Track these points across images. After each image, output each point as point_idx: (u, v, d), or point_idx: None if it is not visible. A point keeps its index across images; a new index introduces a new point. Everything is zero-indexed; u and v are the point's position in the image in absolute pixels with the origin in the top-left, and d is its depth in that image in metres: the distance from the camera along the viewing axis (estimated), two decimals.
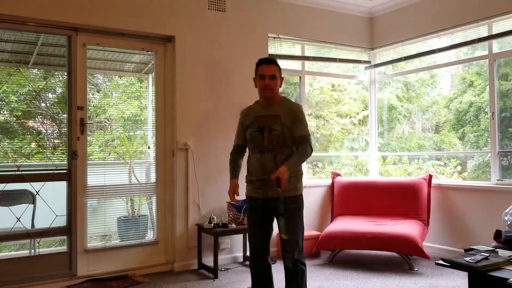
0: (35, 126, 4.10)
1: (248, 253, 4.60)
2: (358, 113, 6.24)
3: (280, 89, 3.08)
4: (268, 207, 2.88)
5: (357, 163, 6.21)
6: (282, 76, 3.04)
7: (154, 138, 4.41)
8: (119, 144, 4.38)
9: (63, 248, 4.02)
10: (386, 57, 5.69)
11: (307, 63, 5.44)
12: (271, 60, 2.98)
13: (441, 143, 6.07)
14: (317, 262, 4.55)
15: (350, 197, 5.08)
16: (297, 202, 2.88)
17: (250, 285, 3.69)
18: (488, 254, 2.75)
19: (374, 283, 3.87)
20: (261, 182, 2.88)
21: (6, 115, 3.91)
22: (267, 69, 2.92)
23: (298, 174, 2.91)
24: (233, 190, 3.00)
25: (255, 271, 2.98)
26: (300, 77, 5.41)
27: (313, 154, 2.98)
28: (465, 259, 2.69)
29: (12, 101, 3.88)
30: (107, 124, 4.41)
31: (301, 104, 3.10)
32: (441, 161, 5.96)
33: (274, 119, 2.87)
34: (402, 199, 4.85)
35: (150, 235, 4.46)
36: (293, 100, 3.17)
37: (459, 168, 5.77)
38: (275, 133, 2.83)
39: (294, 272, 2.84)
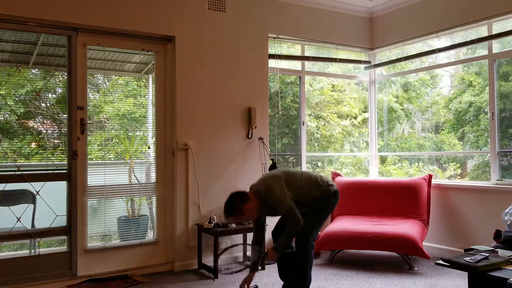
0: (35, 126, 4.10)
1: (247, 253, 4.61)
2: (359, 114, 6.25)
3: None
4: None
5: (356, 161, 6.22)
6: (247, 204, 3.20)
7: (154, 138, 4.41)
8: (117, 143, 4.38)
9: (63, 248, 4.02)
10: (386, 57, 5.69)
11: (307, 63, 5.44)
12: (227, 214, 3.26)
13: (441, 144, 6.07)
14: (317, 262, 4.55)
15: (350, 197, 5.07)
16: (309, 205, 3.34)
17: (253, 285, 3.77)
18: (488, 254, 2.75)
19: (374, 283, 3.87)
20: None
21: (6, 116, 3.91)
22: (235, 220, 3.66)
23: (309, 200, 3.34)
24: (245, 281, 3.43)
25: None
26: (300, 77, 5.41)
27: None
28: (465, 259, 2.69)
29: (12, 102, 3.88)
30: (107, 124, 4.41)
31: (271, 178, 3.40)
32: (440, 165, 5.95)
33: (268, 207, 3.27)
34: (402, 199, 4.85)
35: (150, 235, 4.46)
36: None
37: (459, 171, 5.76)
38: (280, 212, 3.32)
39: (298, 250, 3.35)
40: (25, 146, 3.92)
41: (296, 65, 5.39)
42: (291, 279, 3.44)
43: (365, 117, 6.10)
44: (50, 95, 4.20)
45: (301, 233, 3.29)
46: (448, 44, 5.01)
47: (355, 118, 6.28)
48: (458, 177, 5.73)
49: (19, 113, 3.91)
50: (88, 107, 4.09)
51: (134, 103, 4.49)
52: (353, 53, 5.72)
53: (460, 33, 4.84)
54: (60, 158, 4.00)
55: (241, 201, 3.19)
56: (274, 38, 5.04)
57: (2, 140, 3.82)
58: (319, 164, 6.00)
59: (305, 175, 3.40)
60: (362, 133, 6.23)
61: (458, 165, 5.83)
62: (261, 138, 4.78)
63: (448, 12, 4.82)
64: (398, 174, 5.96)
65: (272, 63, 5.02)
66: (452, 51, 5.26)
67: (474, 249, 3.03)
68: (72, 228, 3.93)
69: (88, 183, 4.05)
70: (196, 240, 4.36)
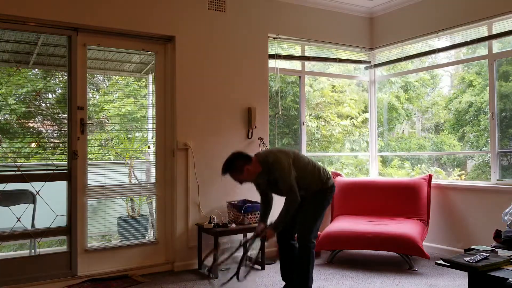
0: (35, 126, 4.10)
1: (247, 253, 4.60)
2: (359, 115, 6.25)
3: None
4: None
5: (357, 162, 6.21)
6: (248, 165, 3.20)
7: (154, 138, 4.41)
8: (117, 143, 4.38)
9: (63, 248, 4.02)
10: (386, 57, 5.69)
11: (307, 63, 5.44)
12: (223, 171, 3.25)
13: (441, 144, 6.07)
14: (317, 262, 4.55)
15: (350, 197, 5.07)
16: (309, 196, 3.33)
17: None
18: (488, 254, 2.75)
19: (374, 283, 3.87)
20: None
21: (6, 116, 3.91)
22: (233, 178, 3.32)
23: (308, 188, 3.31)
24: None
25: (280, 250, 3.55)
26: (300, 77, 5.41)
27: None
28: (465, 259, 2.69)
29: (12, 102, 3.88)
30: (107, 124, 4.41)
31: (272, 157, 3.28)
32: (443, 166, 5.95)
33: (269, 175, 3.24)
34: (402, 199, 4.85)
35: (150, 235, 4.46)
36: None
37: (463, 177, 5.76)
38: (279, 186, 3.23)
39: (300, 249, 3.32)
40: (25, 146, 3.92)
41: (296, 65, 5.39)
42: (293, 279, 3.42)
43: (366, 117, 6.10)
44: (50, 95, 4.20)
45: (301, 231, 3.29)
46: (448, 44, 5.01)
47: (356, 118, 6.28)
48: (460, 178, 5.73)
49: (19, 113, 3.91)
50: (88, 107, 4.09)
51: (134, 103, 4.49)
52: (353, 53, 5.72)
53: (460, 33, 4.84)
54: (60, 158, 4.00)
55: (243, 160, 3.19)
56: (274, 38, 5.04)
57: (2, 140, 3.82)
58: (320, 164, 6.00)
59: (311, 162, 3.40)
60: (362, 133, 6.23)
61: (464, 172, 5.84)
62: (261, 138, 4.78)
63: (448, 12, 4.82)
64: (399, 175, 5.96)
65: (272, 63, 5.02)
66: (452, 51, 5.26)
67: (474, 249, 3.03)
68: (72, 228, 3.93)
69: (88, 183, 4.04)
70: (196, 240, 4.35)
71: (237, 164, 3.18)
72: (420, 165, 5.99)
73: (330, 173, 3.50)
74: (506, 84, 4.79)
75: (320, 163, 3.55)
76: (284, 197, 3.25)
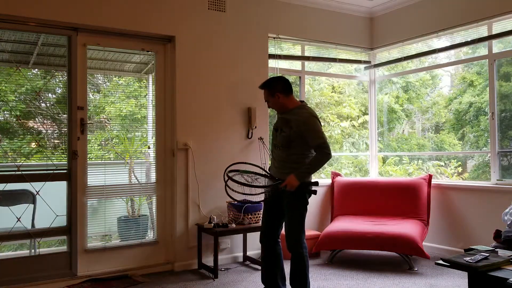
0: (35, 126, 4.10)
1: (247, 253, 4.61)
2: (359, 117, 6.24)
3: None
4: (277, 195, 3.22)
5: (357, 163, 6.21)
6: (282, 94, 3.21)
7: (154, 138, 4.41)
8: (117, 143, 4.38)
9: (63, 248, 4.02)
10: (386, 58, 5.69)
11: (307, 63, 5.44)
12: (261, 85, 3.31)
13: (441, 143, 6.07)
14: (317, 262, 4.55)
15: (350, 197, 5.08)
16: (295, 195, 3.14)
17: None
18: (488, 254, 2.75)
19: (374, 283, 3.87)
20: (273, 173, 3.29)
21: (6, 115, 3.91)
22: (263, 94, 3.32)
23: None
24: None
25: (264, 252, 3.38)
26: (300, 77, 5.41)
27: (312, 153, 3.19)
28: (465, 259, 2.69)
29: (12, 101, 3.88)
30: (107, 124, 4.41)
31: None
32: (441, 161, 5.96)
33: (286, 122, 3.20)
34: (402, 199, 4.85)
35: (150, 235, 4.46)
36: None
37: (460, 169, 5.76)
38: (283, 135, 3.18)
39: (293, 258, 3.18)
40: (25, 146, 3.92)
41: (296, 65, 5.39)
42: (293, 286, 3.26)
43: (365, 119, 6.09)
44: (50, 95, 4.20)
45: (290, 240, 3.16)
46: (448, 44, 5.01)
47: (355, 120, 6.28)
48: (460, 176, 5.73)
49: (19, 113, 3.91)
50: (89, 107, 4.09)
51: (135, 104, 4.49)
52: (353, 53, 5.72)
53: (460, 33, 4.84)
54: (60, 158, 4.00)
55: (281, 87, 3.20)
56: (274, 38, 5.04)
57: (2, 140, 3.82)
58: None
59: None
60: (362, 135, 6.22)
61: (460, 163, 5.83)
62: (261, 138, 4.78)
63: (448, 12, 4.82)
64: (398, 173, 5.96)
65: (272, 63, 5.02)
66: (452, 51, 5.26)
67: (474, 249, 3.03)
68: (72, 228, 3.93)
69: (88, 183, 4.05)
70: (196, 240, 4.35)
71: (275, 87, 3.20)
72: (417, 160, 5.98)
73: None
74: (507, 84, 4.79)
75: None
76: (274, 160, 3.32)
